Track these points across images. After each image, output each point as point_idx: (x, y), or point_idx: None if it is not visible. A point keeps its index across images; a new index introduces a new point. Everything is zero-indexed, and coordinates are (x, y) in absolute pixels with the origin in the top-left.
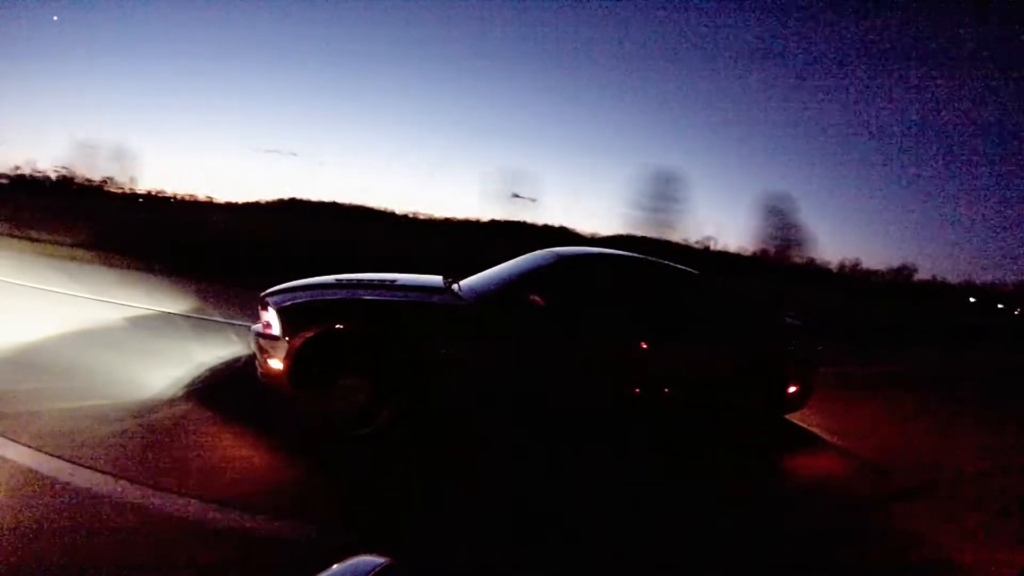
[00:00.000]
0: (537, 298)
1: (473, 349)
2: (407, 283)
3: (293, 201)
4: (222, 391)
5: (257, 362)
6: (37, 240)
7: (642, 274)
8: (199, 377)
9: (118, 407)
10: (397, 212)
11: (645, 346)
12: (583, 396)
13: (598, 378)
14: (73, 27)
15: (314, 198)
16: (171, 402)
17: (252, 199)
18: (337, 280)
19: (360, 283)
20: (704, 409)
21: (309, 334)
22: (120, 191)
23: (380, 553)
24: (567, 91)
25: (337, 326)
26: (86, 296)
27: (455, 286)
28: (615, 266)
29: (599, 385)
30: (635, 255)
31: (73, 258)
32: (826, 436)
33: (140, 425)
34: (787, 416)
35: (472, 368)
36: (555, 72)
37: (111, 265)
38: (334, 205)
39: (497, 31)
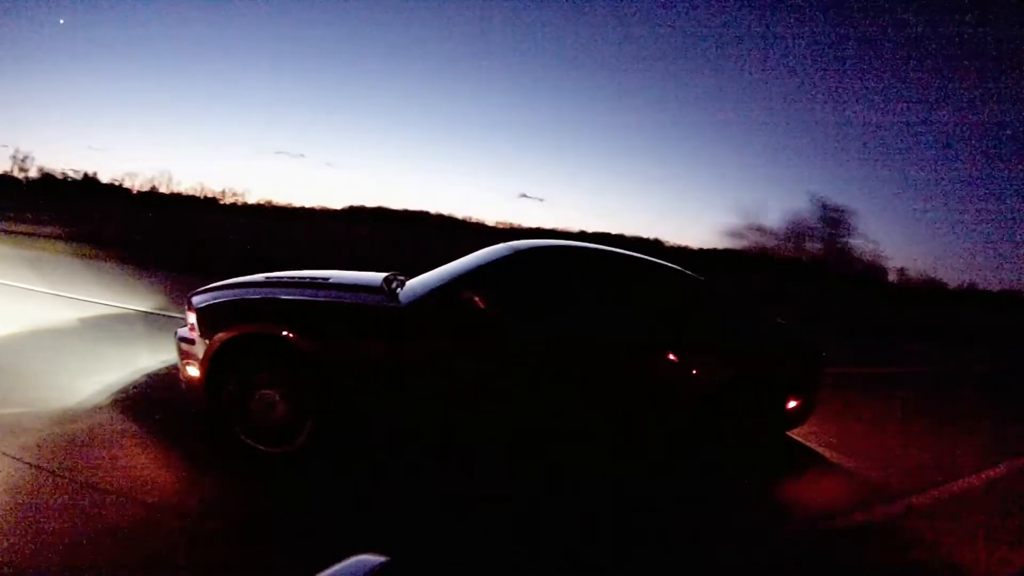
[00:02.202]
0: (478, 299)
1: (400, 359)
2: (341, 282)
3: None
4: (152, 401)
5: (180, 370)
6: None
7: (614, 272)
8: (134, 384)
9: (35, 415)
10: (458, 216)
11: (608, 359)
12: (535, 419)
13: (554, 397)
14: (77, 29)
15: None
16: (94, 411)
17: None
18: (267, 278)
19: (288, 281)
20: (685, 431)
21: (224, 338)
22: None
23: (379, 552)
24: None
25: (251, 329)
26: (51, 292)
27: (397, 286)
28: (581, 262)
29: (554, 406)
30: (609, 249)
31: (73, 253)
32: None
33: (54, 435)
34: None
35: (399, 382)
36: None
37: (105, 260)
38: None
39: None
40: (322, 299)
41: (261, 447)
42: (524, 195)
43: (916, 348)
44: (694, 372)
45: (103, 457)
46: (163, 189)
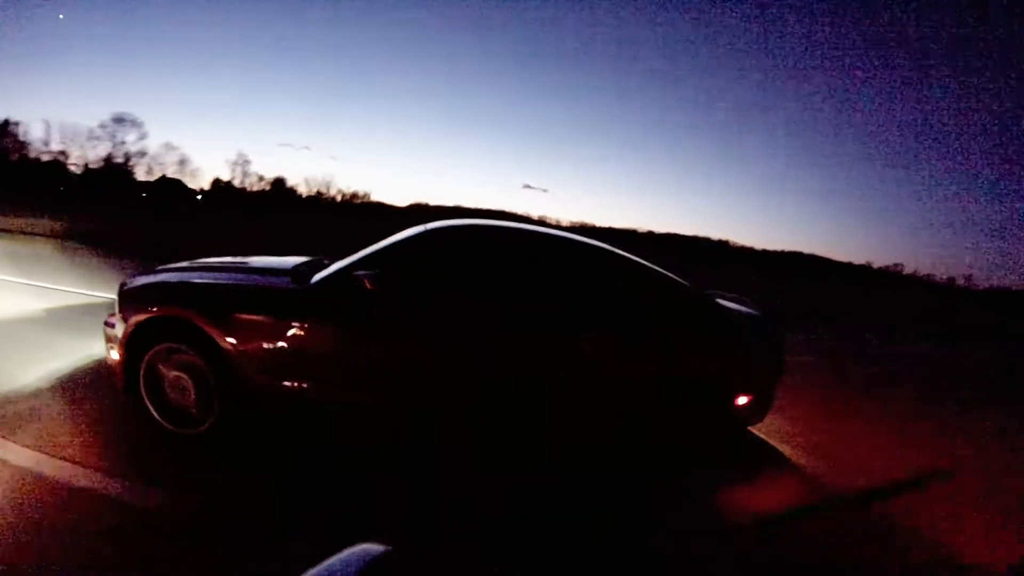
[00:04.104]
0: (367, 281)
1: (294, 340)
2: (256, 266)
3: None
4: (89, 386)
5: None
6: None
7: (529, 252)
8: (82, 370)
9: None
10: (465, 206)
11: (514, 344)
12: (432, 410)
13: (448, 380)
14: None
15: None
16: (30, 396)
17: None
18: (191, 263)
19: (208, 266)
20: (605, 428)
21: (138, 320)
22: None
23: (379, 541)
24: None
25: (161, 312)
26: (24, 282)
27: (317, 269)
28: (490, 242)
29: (450, 389)
30: (527, 227)
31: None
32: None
33: None
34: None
35: (294, 363)
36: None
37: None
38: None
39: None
40: (227, 282)
41: (174, 428)
42: (528, 185)
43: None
44: (615, 363)
45: (26, 435)
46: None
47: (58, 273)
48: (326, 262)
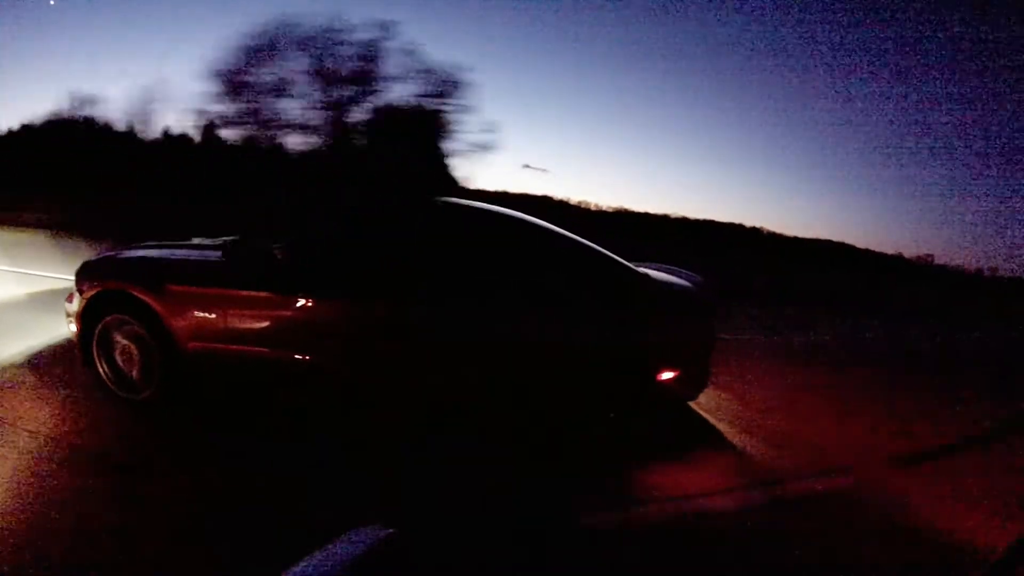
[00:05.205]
0: (278, 252)
1: (216, 311)
2: (199, 243)
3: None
4: (61, 360)
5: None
6: None
7: (436, 223)
8: (52, 346)
9: None
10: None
11: (401, 311)
12: (325, 376)
13: (343, 354)
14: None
15: None
16: (3, 369)
17: None
18: (147, 243)
19: (159, 244)
20: (522, 401)
21: (90, 294)
22: None
23: (382, 525)
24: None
25: (107, 286)
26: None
27: (238, 242)
28: (397, 213)
29: (345, 363)
30: (440, 199)
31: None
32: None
33: None
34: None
35: (218, 333)
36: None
37: None
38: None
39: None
40: (165, 257)
41: (124, 394)
42: (527, 166)
43: None
44: (528, 334)
45: None
46: None
47: None
48: (256, 238)
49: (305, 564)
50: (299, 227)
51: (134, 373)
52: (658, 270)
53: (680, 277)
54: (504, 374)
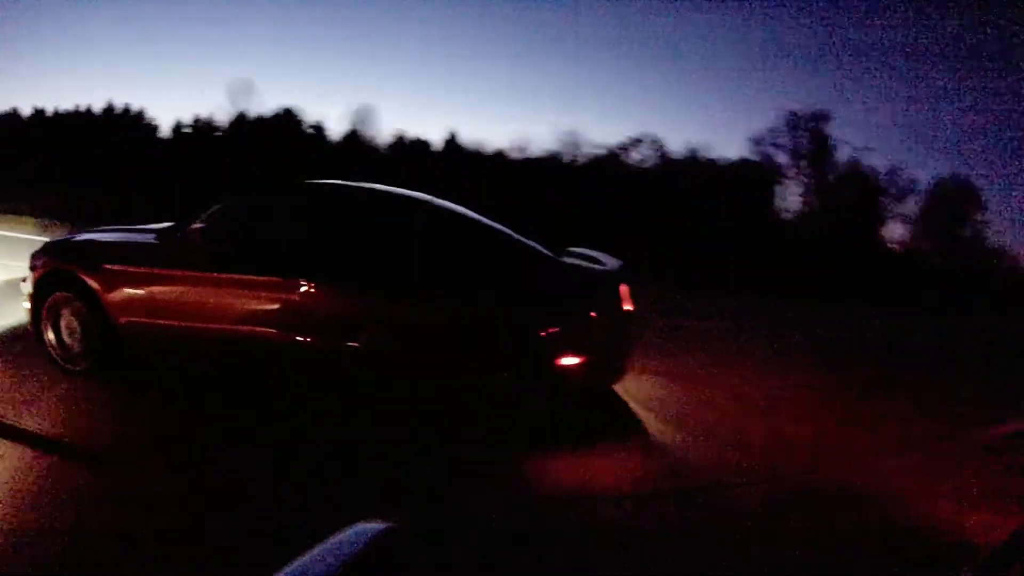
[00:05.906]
0: (198, 236)
1: (144, 288)
2: (141, 227)
3: None
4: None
5: None
6: None
7: (339, 206)
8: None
9: None
10: None
11: (305, 288)
12: (241, 350)
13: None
14: None
15: None
16: None
17: None
18: (112, 227)
19: (105, 228)
20: (420, 386)
21: (37, 275)
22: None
23: (381, 518)
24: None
25: (51, 267)
26: None
27: (173, 227)
28: (300, 199)
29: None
30: (342, 184)
31: None
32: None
33: None
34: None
35: (144, 308)
36: None
37: None
38: None
39: None
40: (105, 239)
41: (69, 366)
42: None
43: None
44: (423, 315)
45: None
46: None
47: None
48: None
49: (302, 562)
50: (212, 214)
51: (75, 347)
52: (578, 256)
53: (597, 263)
54: (384, 348)
